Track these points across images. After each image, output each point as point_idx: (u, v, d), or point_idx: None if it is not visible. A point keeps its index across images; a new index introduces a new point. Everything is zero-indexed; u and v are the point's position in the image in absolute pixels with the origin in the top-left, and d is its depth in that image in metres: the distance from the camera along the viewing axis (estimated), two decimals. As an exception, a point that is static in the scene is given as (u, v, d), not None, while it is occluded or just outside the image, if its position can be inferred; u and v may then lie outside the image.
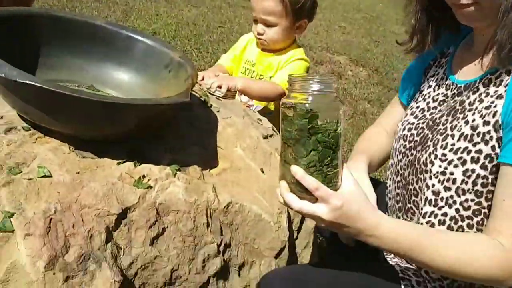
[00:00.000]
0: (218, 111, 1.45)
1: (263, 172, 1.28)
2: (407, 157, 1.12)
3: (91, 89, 1.25)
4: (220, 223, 1.11)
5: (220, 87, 1.62)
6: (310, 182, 0.88)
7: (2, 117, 1.07)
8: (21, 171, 0.94)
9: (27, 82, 0.87)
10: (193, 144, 1.24)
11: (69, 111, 0.96)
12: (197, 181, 1.12)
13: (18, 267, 0.81)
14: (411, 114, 1.19)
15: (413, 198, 1.09)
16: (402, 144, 1.16)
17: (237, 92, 1.74)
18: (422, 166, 1.05)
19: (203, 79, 1.66)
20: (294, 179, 0.90)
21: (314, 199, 0.90)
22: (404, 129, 1.17)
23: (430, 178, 1.03)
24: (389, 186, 1.23)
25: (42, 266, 0.82)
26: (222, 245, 1.10)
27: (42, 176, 0.94)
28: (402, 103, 1.32)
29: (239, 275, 1.14)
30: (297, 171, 0.89)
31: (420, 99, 1.19)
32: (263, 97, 1.88)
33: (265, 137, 1.42)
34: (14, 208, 0.87)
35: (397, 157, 1.17)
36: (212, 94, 1.59)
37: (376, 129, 1.38)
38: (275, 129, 1.50)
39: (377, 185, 1.29)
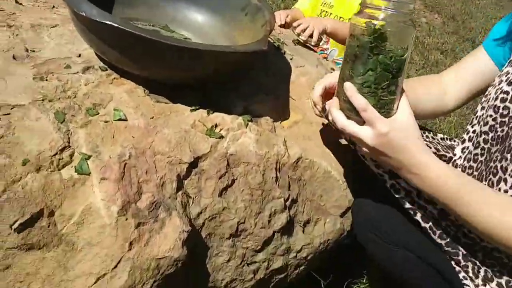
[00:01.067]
0: (291, 59, 1.39)
1: (335, 127, 1.23)
2: (496, 132, 0.99)
3: (165, 29, 1.22)
4: (288, 178, 1.08)
5: (310, 34, 1.55)
6: (360, 101, 0.83)
7: (80, 55, 1.06)
8: (98, 113, 0.93)
9: (107, 22, 0.85)
10: (266, 94, 1.20)
11: (145, 54, 0.93)
12: (268, 133, 1.09)
13: (93, 210, 0.82)
14: (507, 81, 1.00)
15: (491, 176, 0.96)
16: (491, 116, 1.00)
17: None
18: None
19: (297, 26, 1.58)
20: (347, 97, 0.86)
21: (362, 122, 0.85)
22: (496, 99, 1.00)
23: None
24: (458, 153, 1.13)
25: (116, 211, 0.82)
26: (289, 200, 1.08)
27: (118, 120, 0.93)
28: (490, 58, 1.12)
29: (303, 231, 1.12)
30: (349, 88, 0.85)
31: None
32: None
33: (339, 90, 1.36)
34: (91, 151, 0.86)
35: (481, 127, 1.03)
36: (303, 42, 1.53)
37: (435, 78, 1.22)
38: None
39: None
